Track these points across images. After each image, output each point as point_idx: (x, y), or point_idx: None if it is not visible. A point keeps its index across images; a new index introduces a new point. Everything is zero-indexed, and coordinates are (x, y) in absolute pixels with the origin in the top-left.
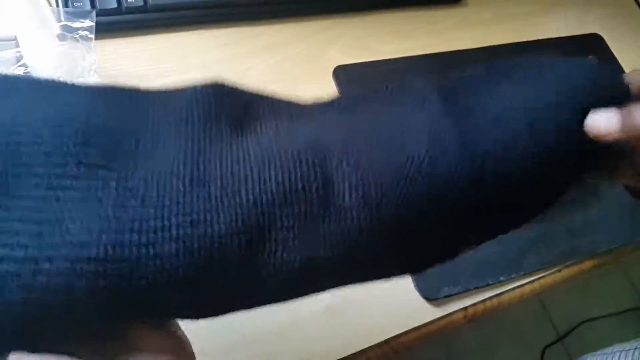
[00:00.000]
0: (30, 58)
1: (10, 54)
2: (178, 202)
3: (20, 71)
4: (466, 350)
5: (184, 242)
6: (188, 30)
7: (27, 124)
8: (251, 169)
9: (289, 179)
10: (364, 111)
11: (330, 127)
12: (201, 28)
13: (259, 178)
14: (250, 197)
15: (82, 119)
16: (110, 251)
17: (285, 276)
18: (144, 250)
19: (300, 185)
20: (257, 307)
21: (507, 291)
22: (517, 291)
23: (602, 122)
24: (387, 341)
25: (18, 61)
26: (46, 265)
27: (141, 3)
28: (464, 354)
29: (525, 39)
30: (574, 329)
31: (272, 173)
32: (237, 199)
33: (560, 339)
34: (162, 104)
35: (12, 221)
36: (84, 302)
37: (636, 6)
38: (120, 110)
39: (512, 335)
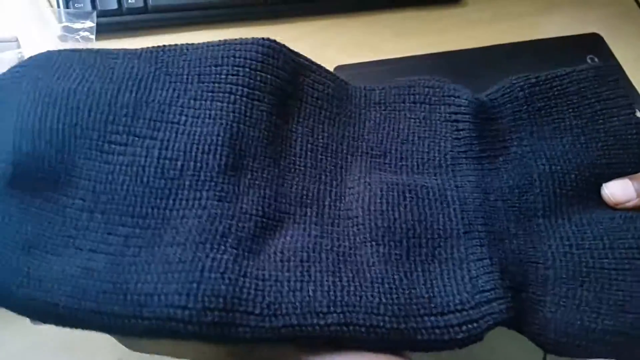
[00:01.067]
0: None
1: (11, 54)
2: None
3: None
4: (468, 352)
5: None
6: (188, 31)
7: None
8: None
9: None
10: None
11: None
12: (201, 29)
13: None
14: None
15: (133, 92)
16: None
17: None
18: None
19: None
20: None
21: None
22: None
23: (618, 190)
24: None
25: (19, 62)
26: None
27: (141, 4)
28: (465, 357)
29: (525, 39)
30: None
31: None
32: None
33: None
34: (209, 66)
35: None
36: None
37: (636, 6)
38: (167, 78)
39: (514, 338)
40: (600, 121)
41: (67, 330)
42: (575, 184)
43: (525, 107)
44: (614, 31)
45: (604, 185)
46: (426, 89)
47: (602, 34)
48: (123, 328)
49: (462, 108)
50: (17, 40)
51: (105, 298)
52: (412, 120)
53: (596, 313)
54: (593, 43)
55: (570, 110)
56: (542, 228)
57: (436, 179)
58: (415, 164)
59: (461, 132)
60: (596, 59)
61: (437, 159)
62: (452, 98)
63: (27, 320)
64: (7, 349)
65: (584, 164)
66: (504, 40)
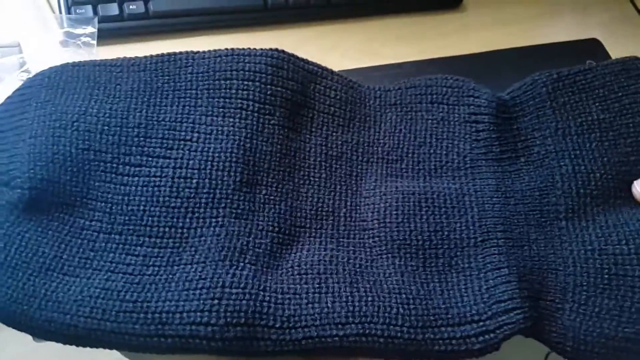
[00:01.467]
0: (33, 64)
1: (13, 59)
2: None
3: (23, 77)
4: None
5: None
6: (189, 36)
7: (94, 114)
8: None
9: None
10: None
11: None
12: (202, 34)
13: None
14: None
15: (143, 111)
16: None
17: None
18: None
19: None
20: None
21: None
22: None
23: None
24: None
25: (21, 67)
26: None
27: (143, 10)
28: None
29: (524, 44)
30: None
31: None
32: None
33: None
34: (219, 80)
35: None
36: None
37: (635, 12)
38: (176, 94)
39: (515, 338)
40: (629, 115)
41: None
42: (600, 183)
43: (549, 102)
44: (613, 37)
45: (635, 182)
46: (444, 89)
47: (601, 39)
48: (144, 347)
49: (482, 108)
50: (19, 45)
51: (126, 318)
52: (430, 121)
53: (617, 321)
54: (592, 48)
55: (597, 104)
56: (564, 232)
57: (454, 183)
58: (433, 167)
59: (481, 134)
60: None
61: (456, 161)
62: (472, 98)
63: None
64: (8, 352)
65: (612, 161)
66: (504, 46)
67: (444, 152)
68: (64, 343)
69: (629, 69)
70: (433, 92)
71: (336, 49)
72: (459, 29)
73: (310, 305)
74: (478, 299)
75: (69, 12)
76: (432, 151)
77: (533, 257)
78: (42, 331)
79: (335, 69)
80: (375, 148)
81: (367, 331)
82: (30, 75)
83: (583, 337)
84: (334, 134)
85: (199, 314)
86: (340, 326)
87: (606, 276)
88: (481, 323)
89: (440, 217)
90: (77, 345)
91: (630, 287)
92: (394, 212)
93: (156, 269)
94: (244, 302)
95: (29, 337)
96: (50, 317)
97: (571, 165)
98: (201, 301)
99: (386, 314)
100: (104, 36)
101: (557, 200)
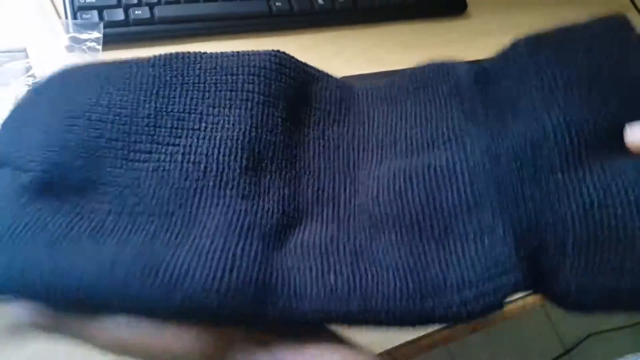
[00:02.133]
0: (39, 69)
1: (20, 64)
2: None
3: (29, 82)
4: (486, 344)
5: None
6: (194, 42)
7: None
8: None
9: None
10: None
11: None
12: (207, 40)
13: None
14: None
15: (152, 102)
16: None
17: None
18: None
19: None
20: None
21: (511, 302)
22: (521, 302)
23: None
24: (389, 352)
25: (27, 72)
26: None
27: (148, 15)
28: (485, 346)
29: None
30: (580, 342)
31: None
32: None
33: (566, 352)
34: (225, 75)
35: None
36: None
37: (636, 12)
38: (185, 87)
39: (517, 349)
40: (618, 67)
41: (68, 344)
42: (594, 132)
43: (531, 59)
44: None
45: (626, 125)
46: (426, 72)
47: None
48: (150, 309)
49: (462, 79)
50: (25, 50)
51: (135, 279)
52: (418, 105)
53: (619, 272)
54: None
55: (583, 56)
56: (561, 184)
57: (446, 153)
58: (425, 144)
59: (466, 103)
60: None
61: (446, 134)
62: (451, 74)
63: (27, 334)
64: (25, 351)
65: (603, 112)
66: None
67: (434, 129)
68: (65, 307)
69: (612, 26)
70: (417, 78)
71: (340, 55)
72: (464, 35)
73: (314, 281)
74: (475, 262)
75: (74, 17)
76: (423, 130)
77: (529, 214)
78: (44, 294)
79: (339, 74)
80: (370, 138)
81: (369, 307)
82: (36, 80)
83: (585, 291)
84: (330, 129)
85: (210, 277)
86: (344, 302)
87: (607, 230)
88: (480, 286)
89: (431, 189)
90: (78, 310)
91: (631, 237)
92: (385, 190)
93: (166, 240)
94: (254, 272)
95: (30, 344)
96: (56, 282)
97: (562, 115)
98: (212, 270)
99: (385, 290)
100: (110, 41)
101: (550, 152)
